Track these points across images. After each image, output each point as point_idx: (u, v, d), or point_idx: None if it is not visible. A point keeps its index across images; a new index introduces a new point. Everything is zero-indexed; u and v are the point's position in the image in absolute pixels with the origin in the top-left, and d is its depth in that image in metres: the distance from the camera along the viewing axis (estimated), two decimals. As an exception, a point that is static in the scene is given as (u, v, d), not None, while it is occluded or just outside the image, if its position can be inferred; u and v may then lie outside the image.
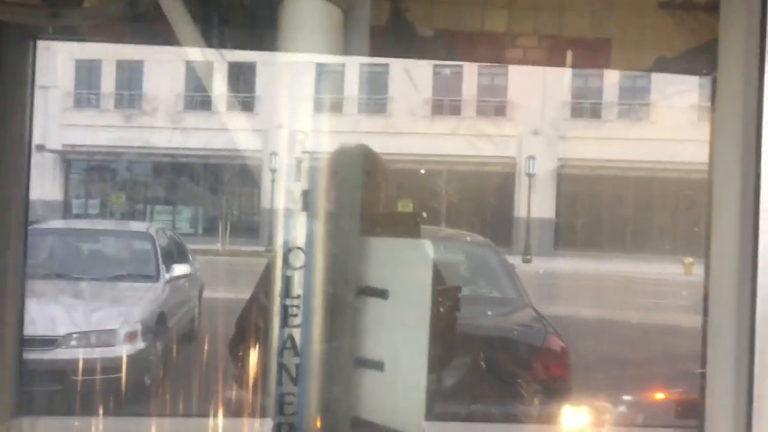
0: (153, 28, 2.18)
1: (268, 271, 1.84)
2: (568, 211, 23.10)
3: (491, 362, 3.91)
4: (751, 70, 1.45)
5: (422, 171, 22.42)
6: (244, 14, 2.06)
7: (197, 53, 2.06)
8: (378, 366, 1.74)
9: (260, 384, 1.72)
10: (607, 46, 2.96)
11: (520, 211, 22.63)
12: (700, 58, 2.38)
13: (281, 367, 1.64)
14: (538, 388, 3.96)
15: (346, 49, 1.90)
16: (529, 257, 19.53)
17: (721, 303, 1.51)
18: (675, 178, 20.87)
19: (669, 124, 20.98)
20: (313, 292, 1.69)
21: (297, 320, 1.66)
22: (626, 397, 3.79)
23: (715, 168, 1.53)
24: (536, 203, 22.31)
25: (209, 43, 2.05)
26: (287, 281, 1.67)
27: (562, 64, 2.97)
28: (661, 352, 8.57)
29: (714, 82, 1.74)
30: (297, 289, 1.67)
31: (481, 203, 23.51)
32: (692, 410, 2.02)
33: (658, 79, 20.90)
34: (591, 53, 3.04)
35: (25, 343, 2.24)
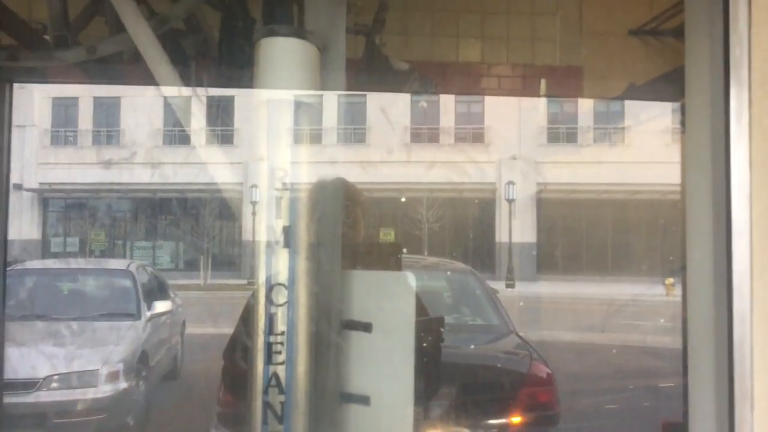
0: (130, 69, 2.19)
1: (249, 307, 1.83)
2: (548, 235, 23.23)
3: (477, 391, 3.89)
4: (717, 95, 1.48)
5: (403, 199, 22.47)
6: (221, 54, 2.08)
7: (175, 91, 2.07)
8: (364, 401, 1.73)
9: (246, 423, 1.70)
10: (579, 74, 3.02)
11: (502, 236, 22.70)
12: (671, 84, 2.43)
13: (266, 405, 1.63)
14: (525, 416, 3.94)
15: (323, 85, 1.92)
16: (512, 282, 19.57)
17: (699, 323, 1.52)
18: (653, 199, 21.11)
19: (644, 147, 21.27)
20: (296, 328, 1.68)
21: (281, 357, 1.65)
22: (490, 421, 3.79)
23: (687, 193, 1.55)
24: (517, 228, 22.42)
25: (187, 82, 2.06)
26: (270, 318, 1.66)
27: (536, 94, 3.03)
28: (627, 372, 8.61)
29: (683, 108, 1.78)
30: (280, 325, 1.67)
31: (463, 229, 23.58)
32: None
33: (631, 103, 21.24)
34: (563, 82, 3.10)
35: (5, 386, 2.20)
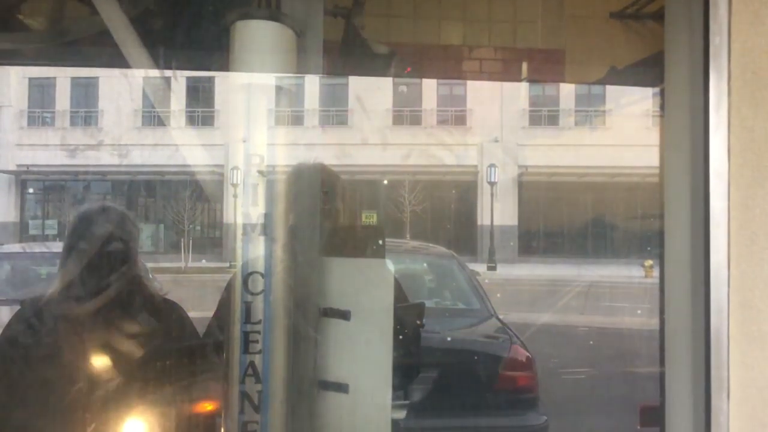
0: (103, 51, 2.14)
1: (225, 296, 1.80)
2: (530, 217, 23.34)
3: (457, 375, 3.91)
4: (696, 83, 1.47)
5: (385, 182, 22.43)
6: (195, 36, 2.04)
7: (149, 73, 2.03)
8: (342, 389, 1.72)
9: (223, 413, 1.68)
10: (561, 58, 2.99)
11: (484, 218, 22.78)
12: (651, 69, 2.42)
13: (243, 395, 1.61)
14: (505, 399, 3.97)
15: (301, 69, 1.89)
16: (493, 265, 19.68)
17: (676, 312, 1.52)
18: (632, 182, 21.25)
19: (624, 130, 21.37)
20: (273, 317, 1.66)
21: (258, 346, 1.63)
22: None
23: (665, 182, 1.55)
24: (499, 211, 22.49)
25: (160, 64, 2.01)
26: (247, 307, 1.64)
27: (517, 78, 3.00)
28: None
29: (662, 92, 1.76)
30: (257, 314, 1.65)
31: (445, 212, 23.62)
32: (655, 416, 2.03)
33: (612, 86, 21.25)
34: (545, 65, 3.08)
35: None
